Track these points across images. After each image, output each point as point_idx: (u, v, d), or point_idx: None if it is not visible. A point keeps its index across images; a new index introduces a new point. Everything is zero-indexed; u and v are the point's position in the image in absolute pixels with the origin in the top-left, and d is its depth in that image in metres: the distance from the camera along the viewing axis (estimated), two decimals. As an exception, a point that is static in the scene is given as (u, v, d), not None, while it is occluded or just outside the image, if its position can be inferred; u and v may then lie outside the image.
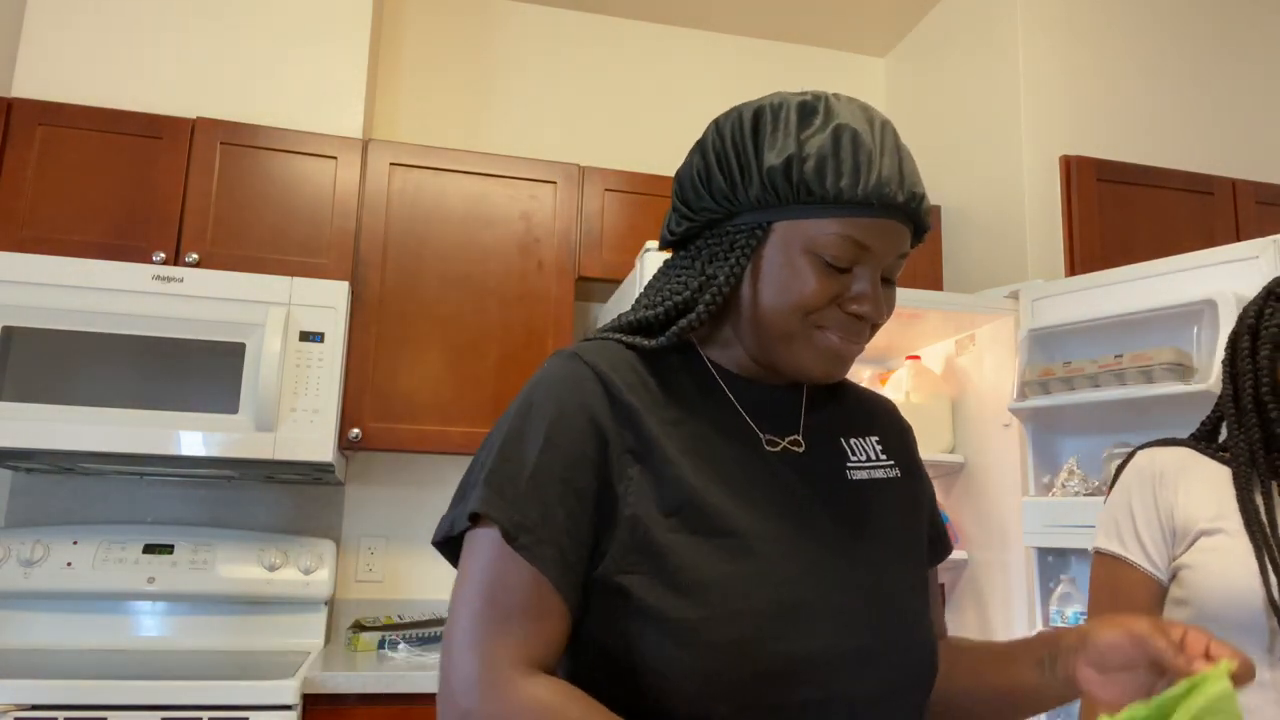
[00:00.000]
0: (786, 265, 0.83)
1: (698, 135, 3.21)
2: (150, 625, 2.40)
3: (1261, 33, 2.95)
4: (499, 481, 0.80)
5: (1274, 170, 2.83)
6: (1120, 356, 1.98)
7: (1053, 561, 2.16)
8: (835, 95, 0.86)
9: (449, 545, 0.84)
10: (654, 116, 3.20)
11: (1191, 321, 1.95)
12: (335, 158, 2.47)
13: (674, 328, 0.87)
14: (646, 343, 0.88)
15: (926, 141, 3.17)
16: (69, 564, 2.33)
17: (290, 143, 2.45)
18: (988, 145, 2.83)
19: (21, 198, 2.28)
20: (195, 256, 2.31)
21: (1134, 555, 1.29)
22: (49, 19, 2.44)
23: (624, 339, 0.89)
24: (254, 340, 2.24)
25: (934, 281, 2.88)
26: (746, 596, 0.77)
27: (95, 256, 2.26)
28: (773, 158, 0.82)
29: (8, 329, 2.14)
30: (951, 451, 2.57)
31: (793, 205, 0.82)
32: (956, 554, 2.49)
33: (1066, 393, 2.08)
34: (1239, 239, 2.60)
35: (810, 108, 0.83)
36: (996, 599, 2.39)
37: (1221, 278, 1.92)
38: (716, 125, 0.88)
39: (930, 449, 2.54)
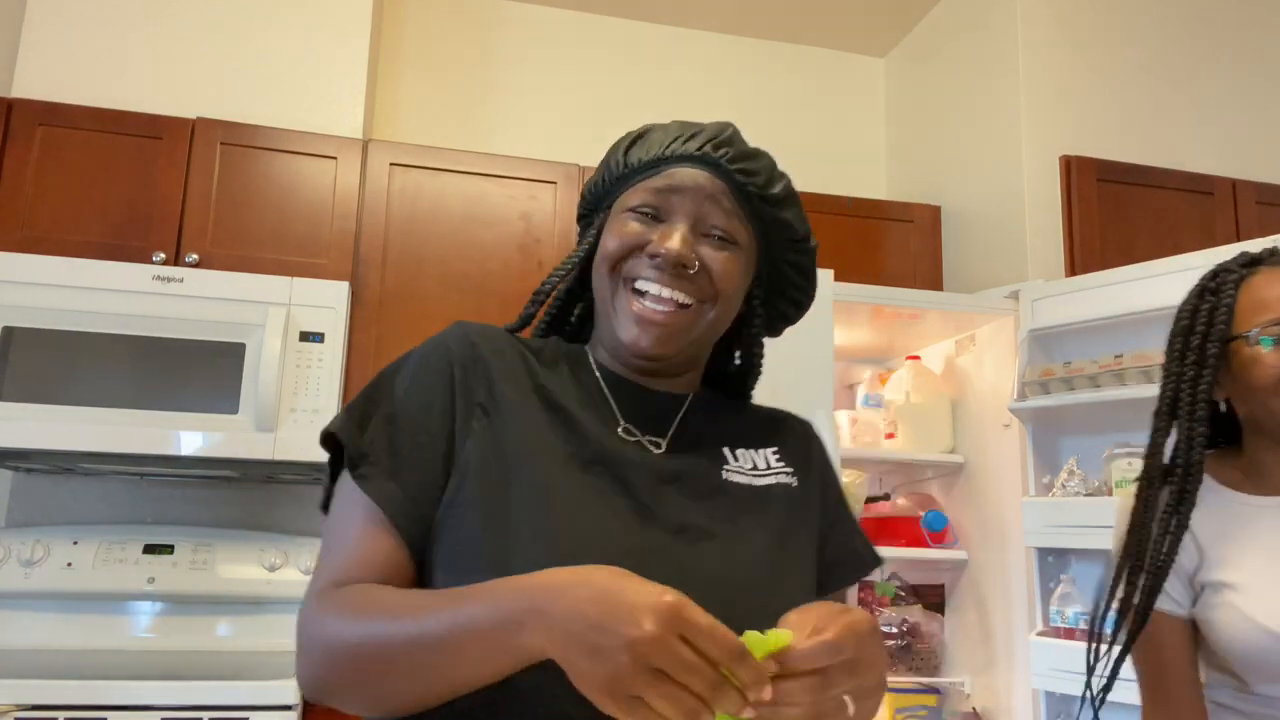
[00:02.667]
0: (610, 226, 0.92)
1: (698, 135, 3.20)
2: (150, 625, 2.40)
3: (1261, 33, 2.95)
4: (358, 415, 0.85)
5: (1274, 170, 2.83)
6: (1120, 356, 1.98)
7: (1053, 561, 2.16)
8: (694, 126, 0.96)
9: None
10: (654, 116, 3.18)
11: (1191, 321, 1.94)
12: (335, 158, 2.47)
13: (527, 309, 0.97)
14: (533, 354, 0.93)
15: (926, 142, 3.17)
16: (69, 564, 2.33)
17: (290, 143, 2.45)
18: (988, 145, 2.83)
19: (21, 198, 2.28)
20: (195, 257, 2.31)
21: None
22: (49, 19, 2.44)
23: (518, 338, 0.95)
24: (254, 340, 2.24)
25: (934, 281, 2.88)
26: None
27: (95, 256, 2.25)
28: (611, 158, 0.96)
29: (8, 329, 2.14)
30: (951, 451, 2.57)
31: (619, 185, 0.94)
32: (956, 554, 2.49)
33: (1066, 393, 2.08)
34: (1239, 239, 2.60)
35: (654, 126, 0.96)
36: (997, 599, 2.39)
37: (1221, 278, 1.92)
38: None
39: (930, 449, 2.54)
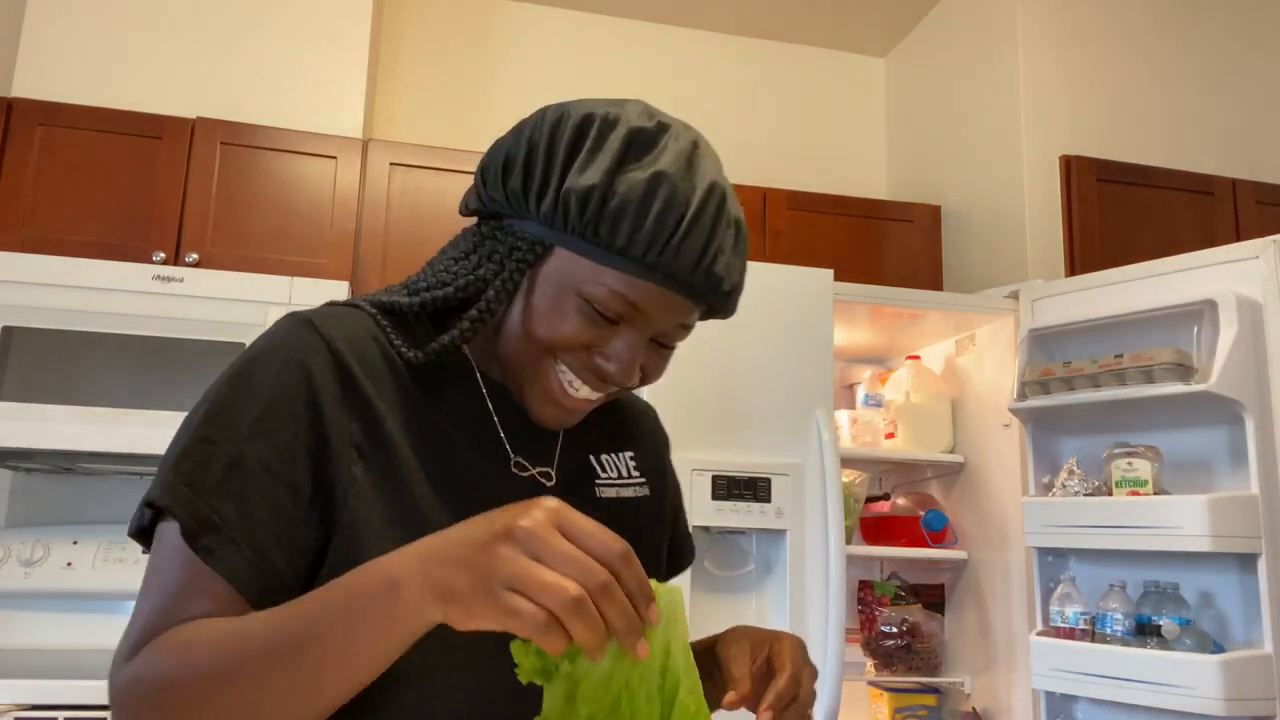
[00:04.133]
0: (554, 298, 0.75)
1: (698, 135, 3.21)
2: (150, 625, 2.40)
3: (1261, 33, 2.95)
4: (190, 466, 0.69)
5: (1274, 170, 2.83)
6: (1120, 356, 1.98)
7: (1053, 561, 2.15)
8: (683, 137, 0.77)
9: (144, 535, 0.72)
10: (654, 116, 3.19)
11: (1191, 321, 1.95)
12: (335, 158, 2.47)
13: (436, 344, 0.77)
14: (408, 352, 0.77)
15: (926, 141, 3.17)
16: (69, 564, 2.33)
17: (290, 143, 2.45)
18: (988, 145, 2.83)
19: (21, 198, 2.28)
20: (195, 256, 2.31)
21: None
22: (49, 19, 2.44)
23: (380, 319, 0.79)
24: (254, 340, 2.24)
25: (934, 281, 2.88)
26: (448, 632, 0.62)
27: (95, 256, 2.25)
28: (576, 179, 0.73)
29: (8, 329, 2.14)
30: (951, 451, 2.57)
31: (579, 238, 0.74)
32: (956, 554, 2.49)
33: (1066, 393, 2.08)
34: (1239, 239, 2.60)
35: (644, 140, 0.75)
36: (997, 599, 2.39)
37: (1221, 278, 1.92)
38: (543, 116, 0.78)
39: (930, 449, 2.54)
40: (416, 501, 0.73)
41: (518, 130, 0.79)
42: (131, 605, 0.59)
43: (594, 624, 0.53)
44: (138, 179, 2.35)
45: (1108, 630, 1.93)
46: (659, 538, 0.94)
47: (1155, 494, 1.92)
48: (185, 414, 0.74)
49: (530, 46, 3.15)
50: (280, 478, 0.69)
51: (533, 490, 0.81)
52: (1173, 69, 2.83)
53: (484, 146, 3.36)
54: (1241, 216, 2.66)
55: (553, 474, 0.84)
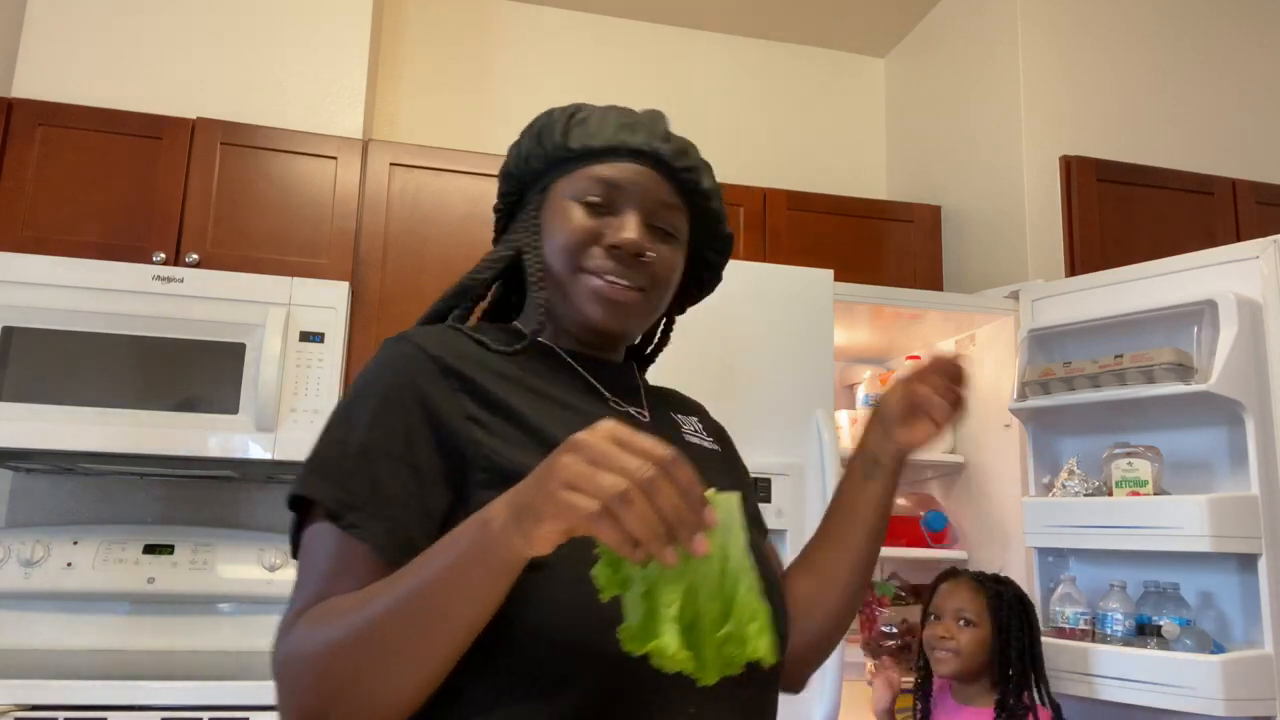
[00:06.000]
0: (558, 212, 0.92)
1: (699, 135, 3.19)
2: (150, 625, 2.40)
3: (1261, 33, 2.95)
4: (323, 462, 0.80)
5: (1274, 170, 2.83)
6: (1120, 356, 1.98)
7: (1053, 561, 2.16)
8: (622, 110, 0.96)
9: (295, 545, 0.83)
10: (654, 116, 3.19)
11: (1191, 321, 1.95)
12: (335, 158, 2.47)
13: (529, 331, 0.91)
14: (498, 347, 0.89)
15: (926, 141, 3.17)
16: (69, 564, 2.33)
17: (290, 143, 2.45)
18: (988, 145, 2.83)
19: (21, 198, 2.28)
20: (195, 256, 2.31)
21: None
22: (49, 19, 2.44)
23: (461, 328, 0.92)
24: (254, 340, 2.24)
25: (934, 281, 2.88)
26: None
27: (95, 257, 2.25)
28: (545, 134, 0.94)
29: (8, 329, 2.13)
30: (952, 451, 2.56)
31: (557, 166, 0.93)
32: (956, 554, 2.49)
33: (1066, 393, 2.08)
34: (1239, 239, 2.60)
35: (589, 110, 0.95)
36: (996, 599, 2.39)
37: (1221, 278, 1.92)
38: (521, 132, 0.98)
39: (930, 449, 2.53)
40: (544, 433, 0.82)
41: (508, 153, 0.99)
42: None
43: (643, 515, 0.59)
44: (138, 179, 2.35)
45: (1108, 630, 1.93)
46: (743, 487, 0.99)
47: (1155, 494, 1.92)
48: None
49: (530, 46, 3.15)
50: (402, 459, 0.79)
51: (634, 422, 0.91)
52: (1173, 69, 2.83)
53: (485, 146, 3.36)
54: (1241, 216, 2.66)
55: (645, 413, 0.96)
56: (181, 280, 2.22)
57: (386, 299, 2.46)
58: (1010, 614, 1.88)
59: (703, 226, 0.98)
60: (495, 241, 1.02)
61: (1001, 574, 2.01)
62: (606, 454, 0.61)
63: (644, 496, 0.59)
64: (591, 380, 0.94)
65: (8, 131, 2.30)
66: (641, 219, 0.91)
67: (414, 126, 2.97)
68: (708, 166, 0.97)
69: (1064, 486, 2.07)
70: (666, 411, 1.00)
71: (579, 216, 0.90)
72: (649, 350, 1.08)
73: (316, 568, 0.77)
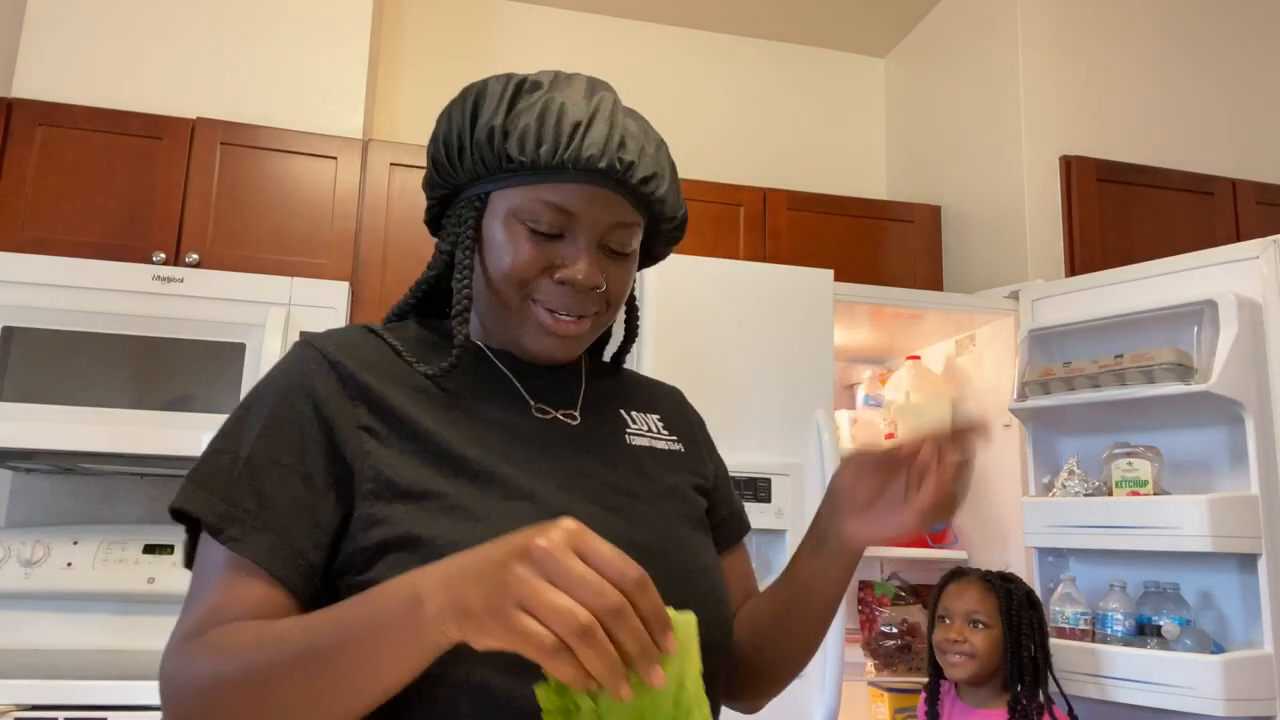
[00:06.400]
0: (501, 233, 0.83)
1: (699, 136, 3.21)
2: (150, 625, 2.40)
3: (1262, 33, 2.95)
4: (207, 473, 0.76)
5: (1274, 170, 2.83)
6: (1120, 356, 1.98)
7: (1053, 561, 2.16)
8: (569, 75, 0.86)
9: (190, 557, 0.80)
10: (654, 117, 3.17)
11: (1191, 321, 1.95)
12: (335, 158, 2.47)
13: (446, 362, 0.83)
14: (421, 367, 0.83)
15: (926, 141, 3.17)
16: (69, 564, 2.33)
17: (290, 143, 2.45)
18: (988, 145, 2.83)
19: (21, 198, 2.28)
20: (195, 256, 2.31)
21: None
22: (49, 19, 2.44)
23: (384, 336, 0.86)
24: (254, 340, 2.24)
25: (934, 281, 2.88)
26: None
27: (95, 256, 2.25)
28: (481, 131, 0.83)
29: (8, 329, 2.14)
30: (951, 451, 2.56)
31: (500, 175, 0.83)
32: (956, 554, 2.49)
33: (1066, 393, 2.08)
34: (1239, 239, 2.60)
35: (533, 84, 0.84)
36: (996, 599, 2.39)
37: (1221, 278, 1.92)
38: (448, 106, 0.89)
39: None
40: (435, 452, 0.78)
41: (436, 124, 0.90)
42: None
43: (604, 652, 0.53)
44: (138, 179, 2.35)
45: (1108, 630, 1.93)
46: (698, 490, 0.94)
47: (1155, 494, 1.92)
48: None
49: (530, 46, 3.15)
50: (291, 469, 0.75)
51: (556, 428, 0.86)
52: (1173, 69, 2.83)
53: (484, 146, 3.24)
54: (1241, 216, 2.66)
55: (577, 414, 0.89)
56: (181, 280, 2.23)
57: (386, 299, 2.46)
58: (1021, 613, 1.85)
59: (656, 217, 0.89)
60: (429, 224, 0.94)
61: (1007, 570, 2.00)
62: (566, 572, 0.54)
63: (605, 630, 0.53)
64: (515, 383, 0.88)
65: (8, 131, 2.30)
66: (594, 245, 0.84)
67: (414, 126, 2.97)
68: (658, 149, 0.87)
69: (1064, 486, 2.07)
70: (613, 411, 0.93)
71: (526, 245, 0.82)
72: (623, 340, 1.00)
73: (204, 584, 0.73)
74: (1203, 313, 1.92)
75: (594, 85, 0.86)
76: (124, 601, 2.39)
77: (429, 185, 0.91)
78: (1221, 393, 1.81)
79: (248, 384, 2.21)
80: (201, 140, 2.39)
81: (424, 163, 2.53)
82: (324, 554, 0.75)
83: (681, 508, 0.89)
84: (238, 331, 2.23)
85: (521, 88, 0.84)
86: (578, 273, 0.82)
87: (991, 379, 2.47)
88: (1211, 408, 1.87)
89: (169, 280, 2.22)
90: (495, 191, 0.84)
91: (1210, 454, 1.96)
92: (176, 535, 2.43)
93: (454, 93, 0.94)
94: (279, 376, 0.80)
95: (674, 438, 0.96)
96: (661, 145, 0.88)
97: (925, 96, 3.20)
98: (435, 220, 0.93)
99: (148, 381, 2.17)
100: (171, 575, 2.37)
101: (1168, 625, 1.84)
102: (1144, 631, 1.88)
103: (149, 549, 2.39)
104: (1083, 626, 1.98)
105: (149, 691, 1.87)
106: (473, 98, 0.86)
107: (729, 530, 0.99)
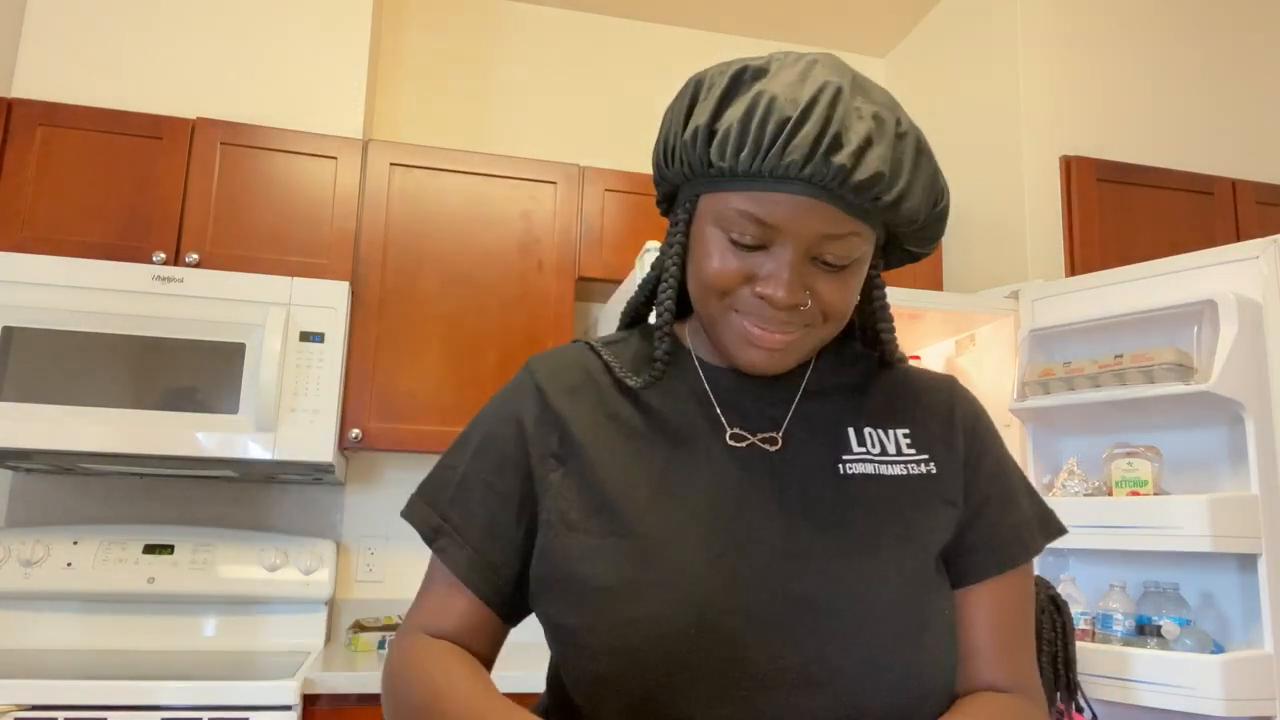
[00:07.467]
0: (704, 242, 0.78)
1: (698, 135, 3.20)
2: (150, 625, 2.40)
3: (1262, 33, 2.95)
4: (430, 486, 0.87)
5: (1274, 170, 2.83)
6: (1120, 356, 1.98)
7: (1053, 561, 2.16)
8: (796, 58, 0.76)
9: None
10: (654, 116, 3.20)
11: (1191, 321, 1.95)
12: (335, 158, 2.47)
13: (659, 351, 0.83)
14: (626, 379, 0.83)
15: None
16: (69, 564, 2.33)
17: (290, 143, 2.45)
18: (988, 145, 2.83)
19: (21, 198, 2.28)
20: (195, 257, 2.31)
21: None
22: (49, 19, 2.44)
23: (598, 350, 0.88)
24: (254, 340, 2.24)
25: (934, 281, 2.88)
26: (638, 603, 0.73)
27: (95, 256, 2.25)
28: (688, 130, 0.77)
29: (8, 329, 2.14)
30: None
31: (705, 178, 0.77)
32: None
33: (1066, 393, 2.08)
34: (1239, 239, 2.60)
35: (754, 72, 0.75)
36: (996, 599, 2.39)
37: (1221, 278, 1.92)
38: (673, 99, 0.83)
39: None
40: (601, 493, 0.79)
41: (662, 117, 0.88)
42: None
43: None
44: (138, 179, 2.35)
45: (1108, 630, 1.93)
46: (943, 522, 0.81)
47: (1155, 494, 1.92)
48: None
49: (530, 46, 3.15)
50: (494, 488, 0.83)
51: (751, 459, 0.81)
52: (1173, 69, 2.83)
53: (484, 146, 3.35)
54: (1241, 216, 2.66)
55: (778, 438, 0.82)
56: (181, 280, 2.23)
57: (386, 299, 2.46)
58: (1043, 616, 1.76)
59: (899, 221, 0.79)
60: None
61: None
62: None
63: None
64: (715, 407, 0.83)
65: (8, 131, 2.30)
66: (801, 259, 0.75)
67: (414, 126, 2.97)
68: (897, 146, 0.74)
69: (1064, 486, 2.07)
70: (832, 431, 0.83)
71: (726, 255, 0.76)
72: (872, 330, 0.90)
73: (428, 583, 0.86)
74: (1202, 313, 1.92)
75: (818, 70, 0.74)
76: (124, 601, 2.39)
77: (655, 184, 0.86)
78: (1221, 393, 1.81)
79: (248, 384, 2.21)
80: (201, 140, 2.39)
81: (424, 162, 2.55)
82: (515, 571, 0.83)
83: (901, 551, 0.77)
84: (238, 331, 2.24)
85: (740, 78, 0.75)
86: (776, 290, 0.75)
87: (991, 379, 2.47)
88: (1211, 408, 1.87)
89: (169, 280, 2.22)
90: (703, 198, 0.78)
91: (1210, 454, 1.96)
92: (176, 535, 2.44)
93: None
94: (499, 398, 0.88)
95: (924, 457, 0.83)
96: (903, 137, 0.75)
97: (925, 96, 3.20)
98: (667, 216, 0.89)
99: (148, 381, 2.18)
100: (171, 575, 2.38)
101: (1168, 625, 1.84)
102: (1144, 631, 1.88)
103: (149, 549, 2.39)
104: (1083, 626, 1.98)
105: (149, 691, 1.87)
106: (690, 92, 0.79)
107: (974, 559, 0.82)
